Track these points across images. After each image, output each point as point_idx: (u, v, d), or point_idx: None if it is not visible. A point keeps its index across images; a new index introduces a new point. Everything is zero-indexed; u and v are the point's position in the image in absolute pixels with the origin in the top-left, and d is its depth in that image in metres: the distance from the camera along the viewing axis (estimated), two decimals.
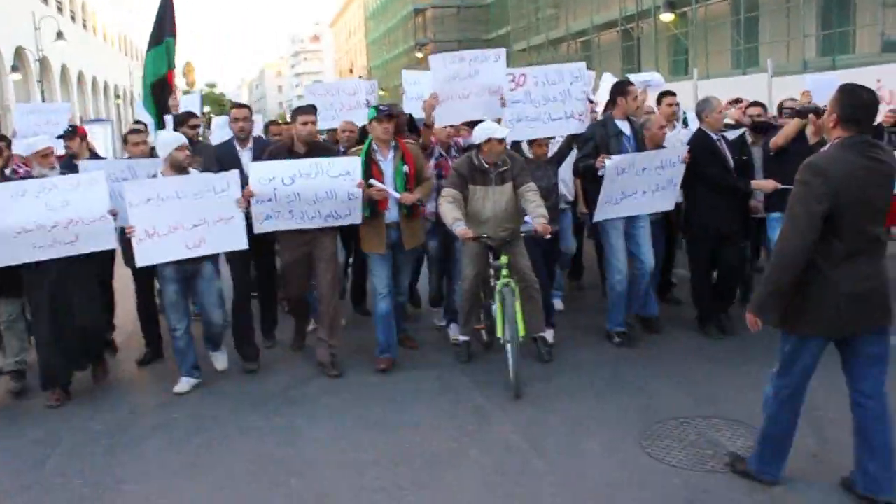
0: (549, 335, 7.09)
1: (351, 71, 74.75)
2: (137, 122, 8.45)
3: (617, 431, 5.35)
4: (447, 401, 6.12)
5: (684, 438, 5.19)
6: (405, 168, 6.63)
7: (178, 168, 6.38)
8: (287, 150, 6.74)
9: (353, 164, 6.54)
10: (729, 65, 26.62)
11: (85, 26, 53.97)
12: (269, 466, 5.13)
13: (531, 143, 7.43)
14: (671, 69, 28.98)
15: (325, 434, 5.61)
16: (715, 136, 7.12)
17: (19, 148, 8.11)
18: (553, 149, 7.57)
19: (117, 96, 58.77)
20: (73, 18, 49.51)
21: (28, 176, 6.72)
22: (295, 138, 6.77)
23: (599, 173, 6.68)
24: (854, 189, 3.98)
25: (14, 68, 34.02)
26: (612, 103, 7.16)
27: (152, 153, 7.22)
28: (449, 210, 6.34)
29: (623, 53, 31.67)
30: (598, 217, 6.94)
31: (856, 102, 4.07)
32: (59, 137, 8.25)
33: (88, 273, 6.45)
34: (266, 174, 6.42)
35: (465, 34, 54.18)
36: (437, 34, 57.39)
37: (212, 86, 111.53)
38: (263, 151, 6.97)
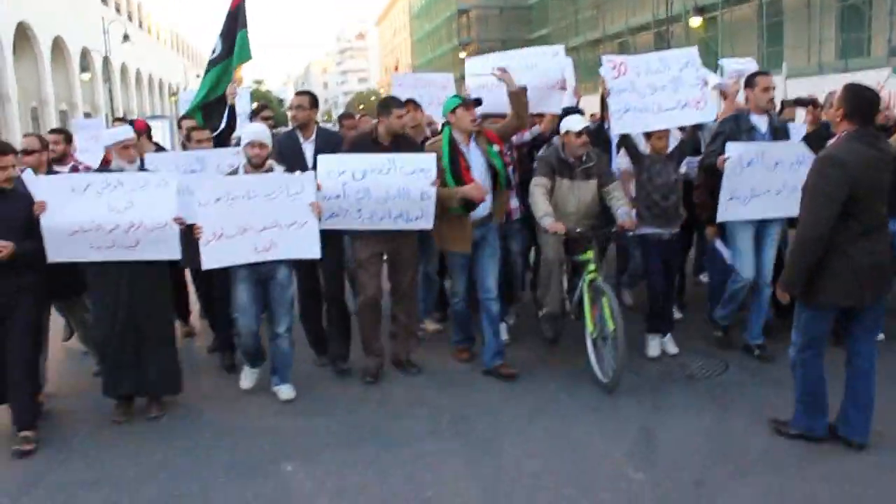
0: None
1: (396, 69, 76.15)
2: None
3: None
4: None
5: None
6: (495, 147, 6.35)
7: (254, 165, 5.99)
8: (371, 141, 6.33)
9: (429, 161, 6.07)
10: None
11: (141, 26, 56.14)
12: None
13: (647, 136, 6.77)
14: None
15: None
16: None
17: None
18: (672, 143, 6.85)
19: (173, 94, 60.92)
20: (130, 18, 51.76)
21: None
22: (384, 129, 6.29)
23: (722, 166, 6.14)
24: (868, 175, 4.43)
25: (83, 68, 36.28)
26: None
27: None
28: (541, 202, 6.16)
29: None
30: (722, 217, 6.29)
31: (860, 99, 4.53)
32: None
33: (154, 282, 5.92)
34: (336, 168, 6.05)
35: (507, 34, 55.76)
36: (481, 34, 59.03)
37: (259, 82, 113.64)
38: (328, 143, 6.56)
